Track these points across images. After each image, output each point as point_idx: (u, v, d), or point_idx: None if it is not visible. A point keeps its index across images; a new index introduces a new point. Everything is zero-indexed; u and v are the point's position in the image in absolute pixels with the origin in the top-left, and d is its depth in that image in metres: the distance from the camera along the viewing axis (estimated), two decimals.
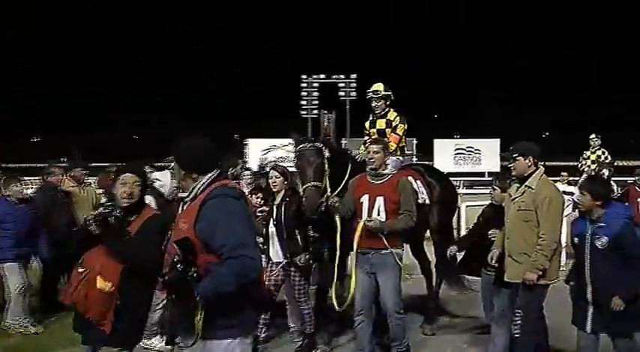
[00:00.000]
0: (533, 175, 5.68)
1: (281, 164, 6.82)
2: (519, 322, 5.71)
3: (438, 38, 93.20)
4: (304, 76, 45.36)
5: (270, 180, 6.51)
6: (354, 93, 42.67)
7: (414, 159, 26.28)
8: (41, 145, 73.69)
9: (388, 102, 7.59)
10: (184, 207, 3.58)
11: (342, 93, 43.93)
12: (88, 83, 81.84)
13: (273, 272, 6.48)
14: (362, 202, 6.12)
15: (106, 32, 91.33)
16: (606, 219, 5.22)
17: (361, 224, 6.07)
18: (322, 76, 45.41)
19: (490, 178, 15.84)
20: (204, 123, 74.76)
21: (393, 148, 7.35)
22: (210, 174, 3.51)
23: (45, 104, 77.81)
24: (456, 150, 35.44)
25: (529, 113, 74.99)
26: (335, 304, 6.37)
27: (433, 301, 7.57)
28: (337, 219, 6.32)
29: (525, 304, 5.64)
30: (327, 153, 6.46)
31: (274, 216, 6.45)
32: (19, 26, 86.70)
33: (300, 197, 6.50)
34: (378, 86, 7.60)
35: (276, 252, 6.47)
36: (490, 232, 6.16)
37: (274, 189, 6.47)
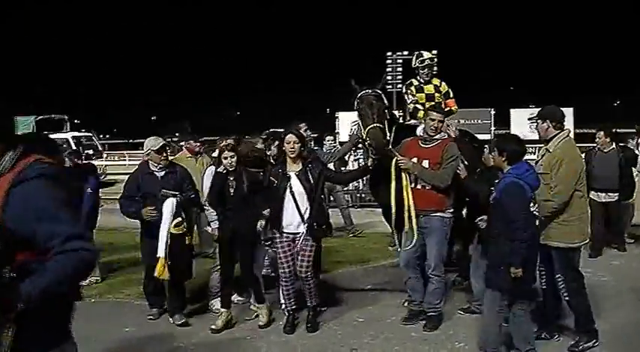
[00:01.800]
0: (554, 139, 5.37)
1: (297, 130, 6.33)
2: (562, 286, 5.45)
3: (512, 15, 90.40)
4: (389, 53, 45.09)
5: (287, 145, 5.97)
6: (435, 68, 42.33)
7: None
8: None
9: (434, 69, 7.57)
10: None
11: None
12: None
13: (285, 244, 6.09)
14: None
15: None
16: (501, 175, 5.03)
17: (393, 165, 5.92)
18: (406, 52, 45.02)
19: None
20: (300, 97, 75.61)
21: (456, 110, 7.46)
22: (20, 147, 2.48)
23: None
24: (530, 119, 34.60)
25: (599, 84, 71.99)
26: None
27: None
28: (392, 171, 5.96)
29: (559, 268, 5.42)
30: (386, 101, 6.22)
31: (294, 184, 5.96)
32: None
33: (322, 163, 6.28)
34: (428, 54, 7.48)
35: (291, 223, 6.02)
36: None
37: (291, 155, 5.96)
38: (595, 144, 9.46)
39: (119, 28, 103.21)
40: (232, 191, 6.16)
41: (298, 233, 6.03)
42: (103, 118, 68.51)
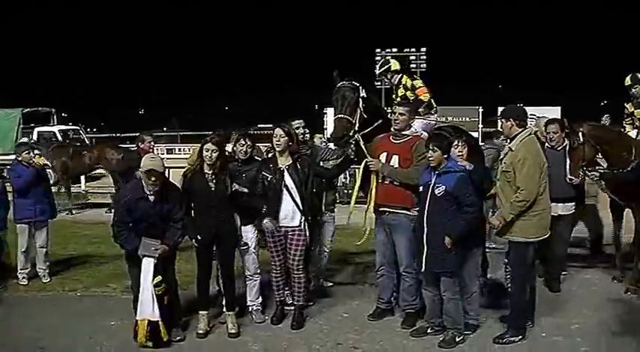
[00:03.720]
0: (517, 137, 5.57)
1: (285, 124, 6.30)
2: (509, 277, 5.87)
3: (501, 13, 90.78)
4: (378, 50, 45.16)
5: (274, 139, 6.03)
6: (424, 65, 42.46)
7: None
8: None
9: (400, 73, 7.50)
10: None
11: (414, 65, 43.61)
12: None
13: (276, 238, 6.14)
14: (380, 159, 6.00)
15: None
16: (446, 170, 5.38)
17: (362, 167, 6.10)
18: (395, 49, 45.12)
19: None
20: (289, 95, 75.55)
21: (427, 99, 7.23)
22: None
23: None
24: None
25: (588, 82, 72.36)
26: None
27: None
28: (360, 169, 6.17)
29: (512, 261, 5.75)
30: (363, 93, 6.19)
31: (286, 178, 6.04)
32: None
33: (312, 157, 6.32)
34: (385, 65, 7.60)
35: (286, 216, 6.07)
36: None
37: (278, 149, 6.02)
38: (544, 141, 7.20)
39: (107, 23, 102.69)
40: (213, 188, 6.02)
41: (291, 226, 6.11)
42: (90, 112, 68.09)
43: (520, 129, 5.63)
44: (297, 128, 6.70)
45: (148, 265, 5.66)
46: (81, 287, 7.80)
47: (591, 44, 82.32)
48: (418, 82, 7.42)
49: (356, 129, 6.18)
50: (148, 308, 5.61)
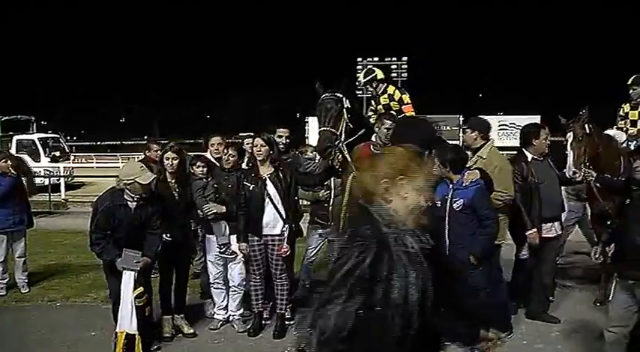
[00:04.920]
0: (484, 146, 5.91)
1: (267, 133, 6.28)
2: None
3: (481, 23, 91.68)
4: (359, 59, 45.45)
5: (254, 149, 6.01)
6: (405, 75, 42.89)
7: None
8: None
9: (384, 83, 7.51)
10: None
11: (395, 75, 43.94)
12: None
13: (256, 247, 6.12)
14: None
15: None
16: (460, 184, 5.35)
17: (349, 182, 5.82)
18: (376, 58, 45.44)
19: None
20: (272, 105, 75.60)
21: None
22: None
23: None
24: (499, 126, 35.10)
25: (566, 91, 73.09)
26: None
27: None
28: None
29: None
30: (347, 104, 6.07)
31: (269, 187, 6.02)
32: None
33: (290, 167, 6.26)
34: (370, 74, 7.60)
35: (267, 224, 6.06)
36: None
37: (259, 158, 6.00)
38: (522, 149, 6.50)
39: (86, 29, 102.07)
40: (176, 195, 6.06)
41: (273, 234, 6.09)
42: (70, 120, 67.62)
43: (483, 142, 5.99)
44: (281, 137, 6.65)
45: (128, 278, 5.54)
46: (60, 297, 7.69)
47: (570, 53, 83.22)
48: (407, 97, 7.45)
49: (341, 139, 6.09)
50: (127, 321, 5.52)
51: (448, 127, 26.91)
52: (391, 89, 7.49)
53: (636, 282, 4.68)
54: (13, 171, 7.85)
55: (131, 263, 5.54)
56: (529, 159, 6.31)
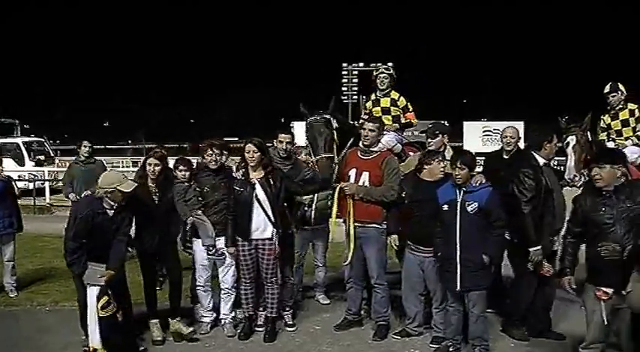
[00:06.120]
0: (447, 150, 6.34)
1: (257, 138, 6.26)
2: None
3: (465, 29, 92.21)
4: (345, 65, 45.54)
5: (246, 154, 6.07)
6: (390, 82, 43.12)
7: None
8: None
9: (392, 83, 7.51)
10: None
11: (373, 78, 44.13)
12: None
13: (247, 250, 6.17)
14: (349, 175, 6.09)
15: None
16: (473, 187, 5.41)
17: (337, 189, 6.15)
18: (361, 64, 45.56)
19: None
20: (256, 109, 75.49)
21: (416, 123, 7.54)
22: None
23: None
24: (483, 132, 35.28)
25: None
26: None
27: None
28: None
29: None
30: (335, 124, 6.32)
31: (258, 191, 6.07)
32: None
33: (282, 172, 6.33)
34: (385, 67, 7.67)
35: (257, 228, 6.11)
36: None
37: (251, 163, 6.07)
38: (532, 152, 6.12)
39: (73, 31, 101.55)
40: (156, 200, 6.14)
41: (262, 238, 6.13)
42: (54, 123, 67.13)
43: (448, 146, 6.46)
44: (282, 142, 6.69)
45: (92, 293, 5.52)
46: (49, 301, 7.69)
47: (554, 59, 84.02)
48: (409, 105, 7.53)
49: (336, 161, 6.32)
50: (94, 336, 5.47)
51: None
52: (395, 94, 7.54)
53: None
54: (3, 175, 7.86)
55: (95, 278, 5.53)
56: (541, 163, 5.98)
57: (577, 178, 6.46)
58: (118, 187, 5.51)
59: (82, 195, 7.80)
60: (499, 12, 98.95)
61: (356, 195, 6.09)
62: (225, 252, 6.32)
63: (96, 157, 9.69)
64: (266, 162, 6.18)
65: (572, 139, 6.65)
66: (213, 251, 6.30)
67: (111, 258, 5.65)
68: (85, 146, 9.10)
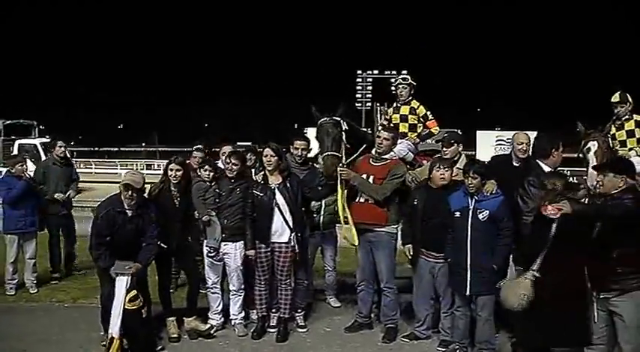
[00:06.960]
0: (462, 158, 6.43)
1: (275, 143, 6.53)
2: None
3: (479, 39, 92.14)
4: (359, 72, 45.65)
5: (264, 158, 6.29)
6: (411, 91, 43.13)
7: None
8: None
9: (412, 92, 7.58)
10: None
11: (394, 88, 44.19)
12: None
13: (263, 253, 6.35)
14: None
15: None
16: (484, 195, 5.54)
17: (339, 190, 6.29)
18: (376, 71, 45.67)
19: None
20: (272, 113, 75.70)
21: (437, 132, 7.62)
22: None
23: None
24: (497, 141, 35.30)
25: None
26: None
27: None
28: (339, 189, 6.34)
29: None
30: (344, 126, 6.46)
31: (277, 196, 6.26)
32: None
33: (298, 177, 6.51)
34: (406, 77, 7.78)
35: (275, 232, 6.30)
36: None
37: (268, 168, 6.28)
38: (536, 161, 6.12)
39: (86, 33, 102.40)
40: (177, 204, 6.39)
41: (280, 242, 6.33)
42: (70, 125, 67.63)
43: (463, 154, 6.54)
44: (297, 149, 6.81)
45: (120, 283, 5.81)
46: (68, 298, 7.91)
47: (568, 69, 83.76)
48: (429, 114, 7.61)
49: (343, 161, 6.45)
50: (115, 325, 5.73)
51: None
52: (415, 103, 7.61)
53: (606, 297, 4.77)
54: (27, 175, 8.10)
55: (123, 268, 5.84)
56: (546, 171, 5.82)
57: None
58: (128, 181, 5.84)
59: (67, 195, 8.66)
60: (515, 22, 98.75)
61: (351, 181, 6.29)
62: (225, 259, 6.54)
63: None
64: (283, 166, 6.39)
65: (593, 145, 6.54)
66: (214, 253, 6.51)
67: (141, 254, 5.98)
68: (59, 146, 9.08)
